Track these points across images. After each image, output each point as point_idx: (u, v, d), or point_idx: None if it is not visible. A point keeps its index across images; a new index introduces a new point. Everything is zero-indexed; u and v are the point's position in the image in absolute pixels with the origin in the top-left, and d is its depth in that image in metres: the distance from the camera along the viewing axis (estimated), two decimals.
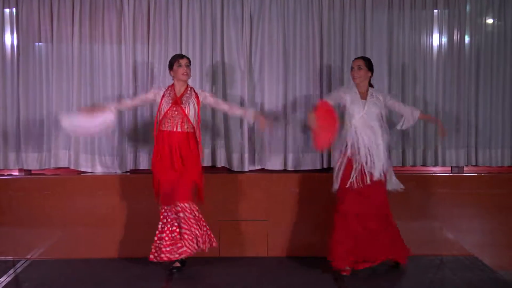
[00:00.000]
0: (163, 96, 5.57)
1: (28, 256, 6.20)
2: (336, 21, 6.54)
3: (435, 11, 6.59)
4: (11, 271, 5.79)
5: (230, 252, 6.21)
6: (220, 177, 6.41)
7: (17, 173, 6.57)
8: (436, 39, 6.59)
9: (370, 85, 5.68)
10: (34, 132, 6.50)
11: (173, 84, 5.60)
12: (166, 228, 5.52)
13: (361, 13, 6.54)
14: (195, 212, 5.48)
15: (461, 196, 6.36)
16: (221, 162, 6.59)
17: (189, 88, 5.62)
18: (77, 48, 6.44)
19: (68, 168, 6.53)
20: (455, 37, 6.56)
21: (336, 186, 5.60)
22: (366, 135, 5.51)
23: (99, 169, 6.54)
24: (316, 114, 5.39)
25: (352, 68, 5.62)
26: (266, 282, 5.44)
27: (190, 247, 5.40)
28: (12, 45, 6.50)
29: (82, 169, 6.53)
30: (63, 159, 6.53)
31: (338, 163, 5.60)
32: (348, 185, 5.51)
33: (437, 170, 6.66)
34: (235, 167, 6.50)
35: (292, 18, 6.53)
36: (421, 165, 6.64)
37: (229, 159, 6.57)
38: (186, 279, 5.52)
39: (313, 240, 6.10)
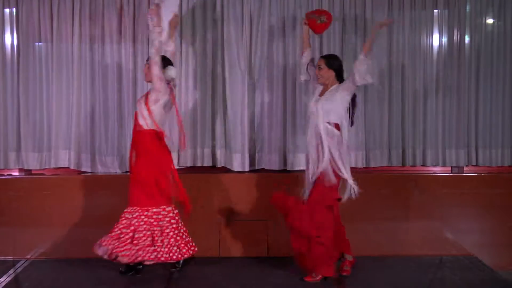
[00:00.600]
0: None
1: (28, 256, 6.21)
2: (336, 21, 6.49)
3: (435, 11, 6.59)
4: (11, 271, 5.79)
5: (230, 252, 6.22)
6: (220, 177, 6.41)
7: (17, 173, 6.58)
8: (436, 39, 6.60)
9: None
10: (34, 131, 6.51)
11: None
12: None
13: (361, 13, 6.53)
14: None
15: (461, 196, 6.37)
16: (221, 162, 6.58)
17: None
18: (77, 48, 6.45)
19: (68, 168, 6.53)
20: (455, 37, 6.56)
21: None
22: (311, 135, 5.45)
23: (99, 169, 6.55)
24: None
25: (319, 67, 5.55)
26: (265, 283, 5.44)
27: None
28: (12, 45, 6.50)
29: (83, 169, 6.54)
30: (63, 159, 6.53)
31: None
32: None
33: (437, 170, 6.67)
34: (235, 167, 6.49)
35: (291, 18, 6.51)
36: (421, 165, 6.64)
37: (229, 159, 6.55)
38: (186, 279, 5.52)
39: None
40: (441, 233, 6.33)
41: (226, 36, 6.49)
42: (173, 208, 5.56)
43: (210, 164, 6.59)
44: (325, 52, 6.44)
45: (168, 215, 5.51)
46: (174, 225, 5.51)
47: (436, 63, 6.60)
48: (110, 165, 6.53)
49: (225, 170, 6.58)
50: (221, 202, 6.27)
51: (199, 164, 6.58)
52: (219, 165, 6.58)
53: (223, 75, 6.52)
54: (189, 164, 6.56)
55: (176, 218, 5.55)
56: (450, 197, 6.35)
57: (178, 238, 5.51)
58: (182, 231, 5.57)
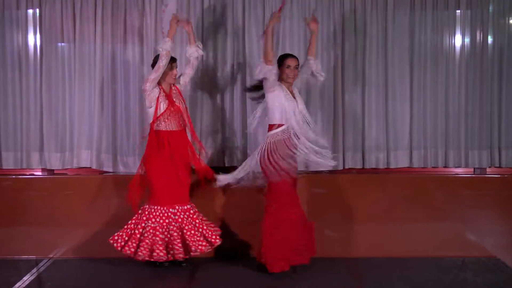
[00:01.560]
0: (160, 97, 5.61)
1: (51, 255, 6.23)
2: (358, 22, 6.53)
3: (458, 11, 6.58)
4: (34, 270, 5.83)
5: (249, 252, 6.21)
6: None
7: (40, 173, 6.63)
8: (459, 40, 6.60)
9: None
10: (56, 132, 6.57)
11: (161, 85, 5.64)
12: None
13: (383, 14, 6.54)
14: None
15: (484, 198, 6.32)
16: (231, 162, 6.60)
17: (173, 86, 5.73)
18: (99, 48, 6.50)
19: (90, 168, 6.59)
20: (477, 38, 6.55)
21: None
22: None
23: (120, 169, 6.60)
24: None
25: (288, 66, 5.46)
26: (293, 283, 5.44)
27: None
28: (35, 45, 6.55)
29: (104, 169, 6.59)
30: (85, 159, 6.59)
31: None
32: None
33: (460, 171, 6.66)
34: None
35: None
36: (443, 166, 6.65)
37: (240, 159, 6.56)
38: (207, 280, 5.55)
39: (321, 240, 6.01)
40: (463, 234, 6.29)
41: (247, 36, 6.51)
42: (192, 207, 5.67)
43: (221, 165, 6.58)
44: (346, 53, 6.54)
45: (187, 213, 5.63)
46: (191, 223, 5.60)
47: (458, 63, 6.58)
48: (132, 165, 6.54)
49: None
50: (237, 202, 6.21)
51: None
52: (228, 165, 6.59)
53: (244, 75, 6.53)
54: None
55: (194, 216, 5.65)
56: (472, 199, 6.32)
57: (192, 235, 5.59)
58: (197, 229, 5.64)
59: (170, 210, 5.59)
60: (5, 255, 6.20)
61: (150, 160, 5.61)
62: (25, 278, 5.58)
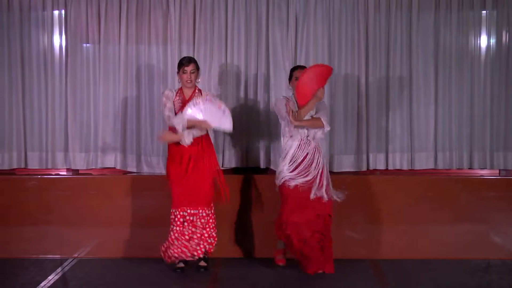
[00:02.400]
0: (175, 100, 5.61)
1: (75, 255, 6.31)
2: (382, 23, 6.56)
3: (483, 12, 6.57)
4: (59, 269, 5.90)
5: (266, 253, 6.25)
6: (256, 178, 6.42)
7: (64, 173, 6.70)
8: (484, 41, 6.58)
9: None
10: (81, 132, 6.64)
11: (181, 88, 5.65)
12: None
13: (407, 15, 6.55)
14: None
15: (509, 200, 6.31)
16: (261, 163, 6.64)
17: (197, 90, 5.66)
18: (123, 49, 6.55)
19: (115, 168, 6.66)
20: (503, 39, 6.54)
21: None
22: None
23: (144, 169, 6.64)
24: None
25: (296, 78, 5.54)
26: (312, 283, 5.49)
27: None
28: (60, 46, 6.62)
29: (128, 169, 6.65)
30: (109, 159, 6.65)
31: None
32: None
33: (485, 173, 6.66)
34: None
35: (337, 20, 6.55)
36: (468, 168, 6.64)
37: (268, 159, 6.63)
38: (230, 279, 5.60)
39: (345, 241, 6.12)
40: (488, 236, 6.29)
41: (271, 37, 6.54)
42: (211, 208, 5.70)
43: (245, 165, 6.67)
44: (370, 54, 6.55)
45: (209, 215, 5.66)
46: (210, 225, 5.65)
47: (484, 64, 6.57)
48: (156, 166, 6.61)
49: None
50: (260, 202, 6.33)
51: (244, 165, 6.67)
52: (252, 165, 6.67)
53: (268, 76, 6.57)
54: (233, 165, 6.65)
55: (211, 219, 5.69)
56: (497, 200, 6.30)
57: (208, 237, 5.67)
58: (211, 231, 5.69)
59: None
60: (31, 255, 6.27)
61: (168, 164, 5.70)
62: (50, 277, 5.65)
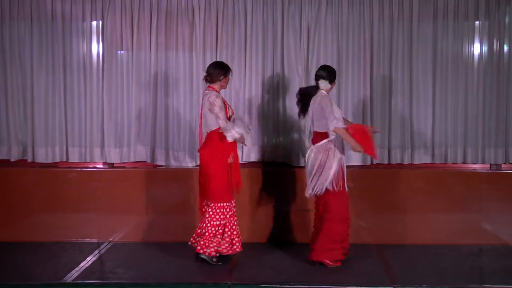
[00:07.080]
0: (224, 100, 5.74)
1: (111, 239, 6.60)
2: (385, 32, 6.67)
3: (476, 22, 6.63)
4: (96, 251, 6.21)
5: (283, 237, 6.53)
6: (280, 172, 6.65)
7: (101, 166, 6.88)
8: (477, 48, 6.65)
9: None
10: (116, 129, 6.79)
11: (217, 90, 5.73)
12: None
13: (408, 25, 6.65)
14: None
15: (499, 191, 6.46)
16: (281, 157, 6.76)
17: None
18: (154, 56, 6.71)
19: (146, 162, 6.82)
20: (494, 46, 6.62)
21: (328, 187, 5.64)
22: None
23: (172, 163, 6.77)
24: (353, 137, 5.51)
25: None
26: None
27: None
28: (97, 53, 6.80)
29: (158, 163, 6.80)
30: (141, 154, 6.81)
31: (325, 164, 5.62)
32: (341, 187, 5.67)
33: (477, 167, 6.72)
34: (294, 162, 6.73)
35: (345, 28, 6.69)
36: (462, 162, 6.71)
37: (287, 155, 6.75)
38: (249, 265, 5.76)
39: (353, 228, 6.09)
40: (480, 224, 6.44)
41: (285, 44, 6.69)
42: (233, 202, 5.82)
43: (271, 160, 6.79)
44: (375, 61, 6.67)
45: (232, 209, 5.79)
46: (233, 220, 5.78)
47: (477, 70, 6.64)
48: (182, 160, 6.77)
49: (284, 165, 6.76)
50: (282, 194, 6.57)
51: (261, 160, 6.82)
52: (278, 160, 6.75)
53: (282, 80, 6.71)
54: (252, 159, 6.80)
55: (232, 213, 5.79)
56: (488, 192, 6.45)
57: (234, 232, 5.79)
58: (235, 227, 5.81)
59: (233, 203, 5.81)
60: (71, 239, 6.55)
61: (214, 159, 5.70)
62: (88, 258, 5.97)
